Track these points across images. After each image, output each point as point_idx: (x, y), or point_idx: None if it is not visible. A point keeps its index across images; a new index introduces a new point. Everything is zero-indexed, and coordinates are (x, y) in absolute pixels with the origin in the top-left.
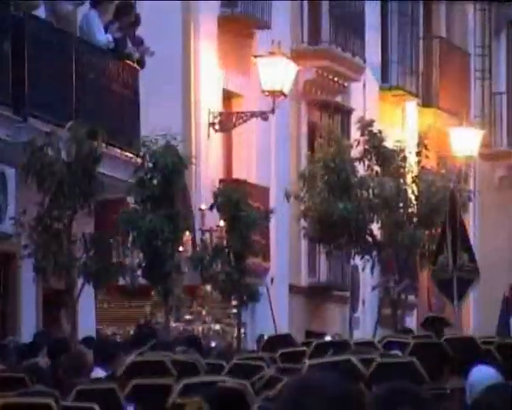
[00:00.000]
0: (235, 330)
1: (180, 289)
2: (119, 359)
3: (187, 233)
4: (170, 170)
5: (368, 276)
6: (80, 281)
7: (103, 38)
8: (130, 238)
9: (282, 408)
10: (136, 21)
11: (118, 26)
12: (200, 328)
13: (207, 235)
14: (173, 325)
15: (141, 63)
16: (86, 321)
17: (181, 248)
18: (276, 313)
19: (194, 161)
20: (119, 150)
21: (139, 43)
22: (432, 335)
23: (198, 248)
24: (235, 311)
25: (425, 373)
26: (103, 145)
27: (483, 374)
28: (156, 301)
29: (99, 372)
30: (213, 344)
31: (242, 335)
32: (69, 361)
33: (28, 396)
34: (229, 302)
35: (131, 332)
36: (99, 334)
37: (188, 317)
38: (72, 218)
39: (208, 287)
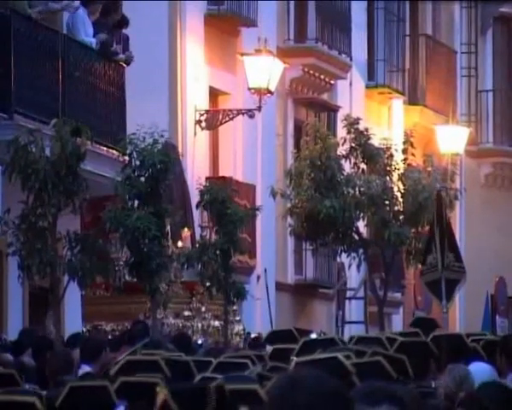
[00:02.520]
0: (235, 326)
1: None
2: (106, 356)
3: (185, 230)
4: (156, 168)
5: (354, 273)
6: (65, 279)
7: (88, 40)
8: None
9: (271, 405)
10: (124, 21)
11: (106, 29)
12: (200, 324)
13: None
14: (172, 321)
15: (127, 62)
16: (72, 319)
17: (180, 244)
18: (262, 310)
19: (180, 158)
20: (105, 148)
21: (125, 41)
22: (419, 332)
23: (197, 245)
24: (234, 307)
25: (392, 371)
26: (88, 143)
27: (479, 370)
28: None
29: (86, 369)
30: (200, 341)
31: (242, 332)
32: (55, 359)
33: (12, 395)
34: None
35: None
36: (91, 331)
37: (187, 313)
38: (56, 216)
39: (207, 283)
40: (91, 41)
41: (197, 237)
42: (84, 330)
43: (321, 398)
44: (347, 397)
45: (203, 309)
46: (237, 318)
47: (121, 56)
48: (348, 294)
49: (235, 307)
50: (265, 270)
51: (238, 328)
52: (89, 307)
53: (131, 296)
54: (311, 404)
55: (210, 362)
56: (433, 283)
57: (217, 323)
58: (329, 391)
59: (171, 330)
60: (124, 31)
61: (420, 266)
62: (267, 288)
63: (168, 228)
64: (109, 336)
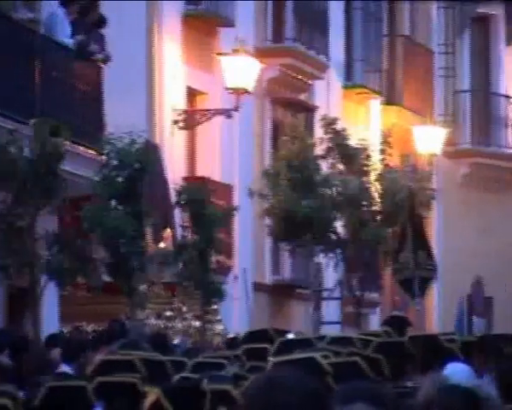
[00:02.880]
0: (216, 326)
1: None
2: (87, 356)
3: (167, 230)
4: (134, 168)
5: (331, 274)
6: (44, 279)
7: (65, 40)
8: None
9: (250, 405)
10: (101, 21)
11: (83, 29)
12: (180, 325)
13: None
14: (154, 321)
15: (104, 62)
16: (50, 319)
17: (162, 245)
18: (240, 310)
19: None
20: (83, 148)
21: (101, 40)
22: (391, 332)
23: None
24: (215, 307)
25: (369, 371)
26: (67, 143)
27: (456, 371)
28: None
29: (66, 370)
30: (176, 341)
31: (222, 332)
32: (32, 359)
33: None
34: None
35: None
36: (72, 331)
37: (168, 314)
38: (35, 215)
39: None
40: (69, 42)
41: (179, 237)
42: (65, 330)
43: (300, 398)
44: (326, 397)
45: (184, 309)
46: (218, 317)
47: (98, 56)
48: (326, 294)
49: (215, 307)
50: (244, 270)
51: (219, 328)
52: (70, 308)
53: (113, 297)
54: (290, 404)
55: (187, 362)
56: (405, 281)
57: (198, 323)
58: (308, 391)
59: (153, 331)
60: (102, 30)
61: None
62: (247, 288)
63: (150, 229)
64: (90, 337)
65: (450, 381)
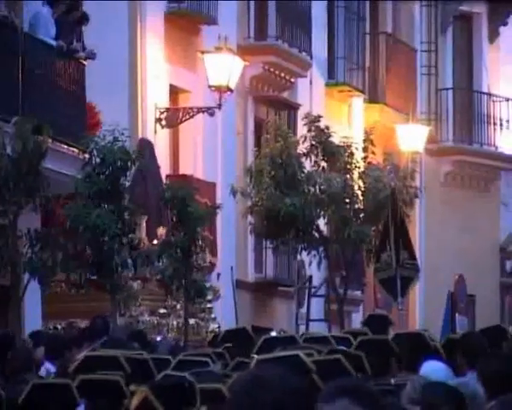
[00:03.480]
0: (210, 324)
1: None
2: (71, 353)
3: (161, 227)
4: (117, 166)
5: (314, 271)
6: (26, 277)
7: (49, 41)
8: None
9: (235, 402)
10: (84, 18)
11: (67, 27)
12: (175, 322)
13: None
14: (147, 318)
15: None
16: (32, 317)
17: (155, 242)
18: (224, 308)
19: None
20: (65, 146)
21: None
22: (367, 331)
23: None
24: (209, 305)
25: (351, 369)
26: (49, 141)
27: (433, 369)
28: (130, 294)
29: (50, 368)
30: (159, 339)
31: (217, 330)
32: (16, 357)
33: None
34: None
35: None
36: (66, 328)
37: (162, 311)
38: (17, 213)
39: (182, 281)
40: (52, 43)
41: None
42: (59, 327)
43: (285, 396)
44: (310, 395)
45: (178, 307)
46: (212, 315)
47: (81, 54)
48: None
49: (209, 305)
50: (232, 268)
51: (213, 326)
52: (63, 305)
53: (106, 293)
54: (276, 402)
55: (169, 360)
56: (387, 280)
57: (192, 321)
58: (294, 389)
59: (146, 328)
60: (84, 28)
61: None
62: (233, 285)
63: (144, 226)
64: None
65: (428, 379)
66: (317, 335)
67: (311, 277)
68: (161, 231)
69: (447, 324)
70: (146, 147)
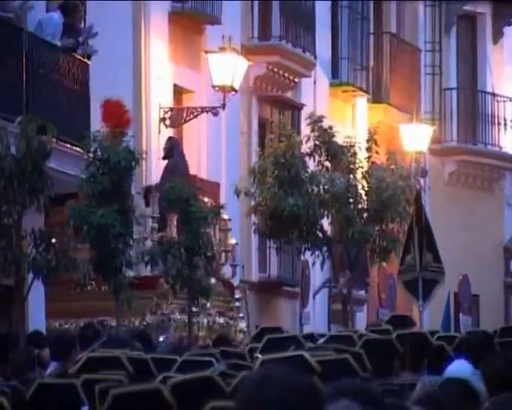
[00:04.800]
0: (238, 323)
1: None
2: (76, 354)
3: None
4: (121, 165)
5: (318, 271)
6: (30, 277)
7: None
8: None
9: (244, 402)
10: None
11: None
12: (205, 320)
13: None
14: (178, 317)
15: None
16: (36, 317)
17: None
18: None
19: (144, 156)
20: (69, 145)
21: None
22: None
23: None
24: (238, 304)
25: (359, 368)
26: (53, 140)
27: (460, 369)
28: (162, 292)
29: (56, 367)
30: (161, 339)
31: (245, 329)
32: (18, 357)
33: None
34: (232, 295)
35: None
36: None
37: (193, 309)
38: (21, 213)
39: (213, 280)
40: (57, 43)
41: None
42: (81, 324)
43: (294, 394)
44: (320, 393)
45: (208, 305)
46: (240, 314)
47: (79, 51)
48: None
49: (237, 304)
50: (243, 266)
51: (241, 325)
52: (91, 303)
53: (137, 291)
54: (284, 400)
55: (173, 360)
56: (410, 282)
57: (221, 320)
58: (302, 387)
59: (178, 326)
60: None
61: (385, 264)
62: (245, 285)
63: (173, 225)
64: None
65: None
66: (340, 334)
67: (329, 278)
68: None
69: (446, 323)
70: (174, 145)
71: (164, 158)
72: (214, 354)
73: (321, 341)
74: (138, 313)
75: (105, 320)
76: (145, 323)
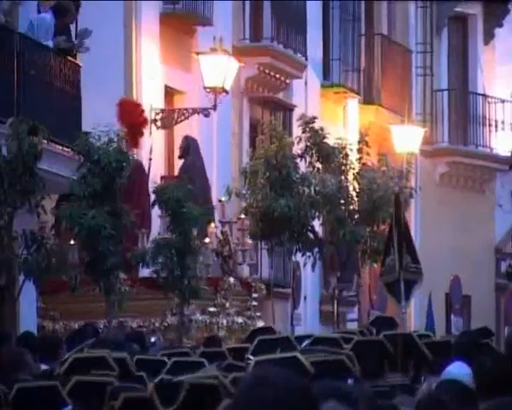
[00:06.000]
0: (257, 322)
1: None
2: (63, 354)
3: (212, 225)
4: (112, 166)
5: (309, 273)
6: (21, 278)
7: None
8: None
9: (239, 402)
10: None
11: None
12: (225, 321)
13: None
14: (199, 318)
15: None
16: (28, 318)
17: (207, 240)
18: None
19: (135, 157)
20: (60, 147)
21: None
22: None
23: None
24: (255, 303)
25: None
26: (45, 142)
27: (459, 370)
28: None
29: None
30: (153, 340)
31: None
32: (7, 357)
33: None
34: (250, 294)
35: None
36: (117, 326)
37: (212, 309)
38: (12, 214)
39: (231, 279)
40: (49, 42)
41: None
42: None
43: (289, 394)
44: (313, 394)
45: (227, 305)
46: (258, 314)
47: (70, 44)
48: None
49: (255, 303)
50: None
51: (260, 324)
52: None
53: (157, 292)
54: (279, 400)
55: (164, 361)
56: (391, 284)
57: (240, 319)
58: (298, 388)
59: (199, 326)
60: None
61: (376, 266)
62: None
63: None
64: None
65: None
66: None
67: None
68: (211, 228)
69: (430, 324)
70: (191, 144)
71: (180, 157)
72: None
73: (306, 343)
74: (158, 313)
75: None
76: (166, 324)
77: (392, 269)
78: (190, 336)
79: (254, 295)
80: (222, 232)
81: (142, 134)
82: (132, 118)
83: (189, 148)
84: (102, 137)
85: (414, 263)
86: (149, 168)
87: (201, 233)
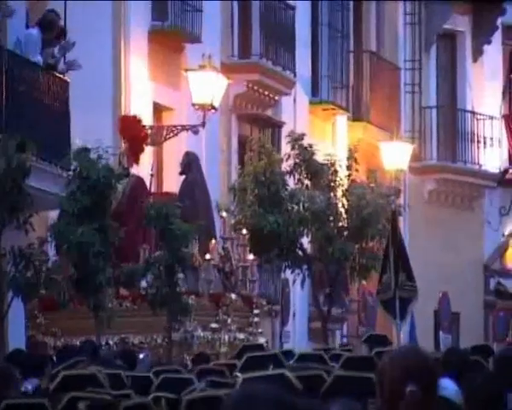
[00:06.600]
0: (258, 338)
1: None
2: (48, 372)
3: (213, 241)
4: (101, 183)
5: (298, 290)
6: (10, 295)
7: (36, 60)
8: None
9: None
10: (62, 33)
11: (48, 45)
12: (227, 337)
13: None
14: (201, 334)
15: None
16: (16, 334)
17: (208, 256)
18: None
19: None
20: (49, 164)
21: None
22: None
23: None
24: (257, 319)
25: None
26: (33, 158)
27: (445, 387)
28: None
29: (28, 386)
30: (141, 356)
31: (265, 344)
32: None
33: None
34: (251, 310)
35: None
36: (119, 343)
37: (214, 325)
38: (0, 231)
39: (233, 295)
40: (38, 60)
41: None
42: (111, 343)
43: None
44: None
45: (229, 321)
46: (260, 330)
47: (62, 67)
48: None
49: (256, 320)
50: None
51: (262, 340)
52: (116, 319)
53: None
54: None
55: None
56: (387, 301)
57: (242, 335)
58: (286, 404)
59: (201, 343)
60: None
61: (364, 282)
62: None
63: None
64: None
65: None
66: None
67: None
68: (213, 245)
69: (412, 340)
70: (192, 159)
71: (181, 173)
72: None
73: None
74: (160, 329)
75: (126, 338)
76: (167, 340)
77: (388, 286)
78: (192, 352)
79: (256, 311)
80: (223, 248)
81: (142, 150)
82: (134, 133)
83: (191, 164)
84: (91, 153)
85: (409, 281)
86: (150, 184)
87: (203, 249)
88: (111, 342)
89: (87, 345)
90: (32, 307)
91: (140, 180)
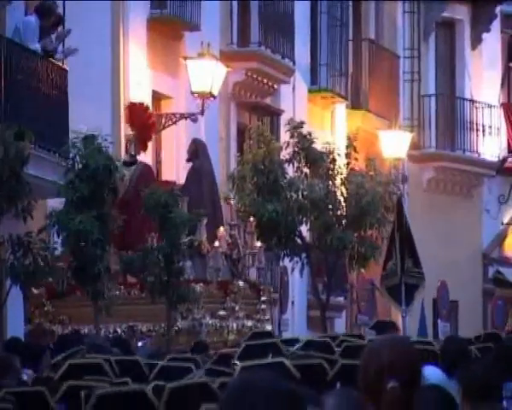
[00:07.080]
0: (265, 325)
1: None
2: (46, 360)
3: (221, 229)
4: (100, 171)
5: (297, 278)
6: (8, 283)
7: (35, 47)
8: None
9: (225, 407)
10: (59, 21)
11: (45, 33)
12: (235, 324)
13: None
14: (209, 321)
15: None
16: (15, 323)
17: (216, 244)
18: None
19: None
20: (48, 152)
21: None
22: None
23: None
24: (264, 307)
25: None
26: (31, 147)
27: (429, 375)
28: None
29: (27, 374)
30: (140, 344)
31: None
32: None
33: None
34: (259, 297)
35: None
36: (127, 331)
37: (222, 313)
38: None
39: (241, 283)
40: (36, 47)
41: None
42: (119, 331)
43: (277, 399)
44: (302, 398)
45: (237, 309)
46: (267, 317)
47: (60, 55)
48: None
49: (263, 307)
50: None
51: (268, 327)
52: (125, 307)
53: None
54: (268, 406)
55: (153, 365)
56: (392, 288)
57: (249, 323)
58: (285, 392)
59: (209, 330)
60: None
61: (363, 271)
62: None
63: (203, 228)
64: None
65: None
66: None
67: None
68: (221, 232)
69: (423, 329)
70: (199, 147)
71: (188, 160)
72: (195, 360)
73: (296, 346)
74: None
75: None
76: (176, 328)
77: (393, 273)
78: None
79: (263, 298)
80: (230, 235)
81: (150, 138)
82: (142, 121)
83: (198, 151)
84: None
85: (416, 267)
86: (157, 172)
87: (211, 237)
88: (119, 330)
89: (74, 335)
90: (40, 295)
91: (148, 168)
